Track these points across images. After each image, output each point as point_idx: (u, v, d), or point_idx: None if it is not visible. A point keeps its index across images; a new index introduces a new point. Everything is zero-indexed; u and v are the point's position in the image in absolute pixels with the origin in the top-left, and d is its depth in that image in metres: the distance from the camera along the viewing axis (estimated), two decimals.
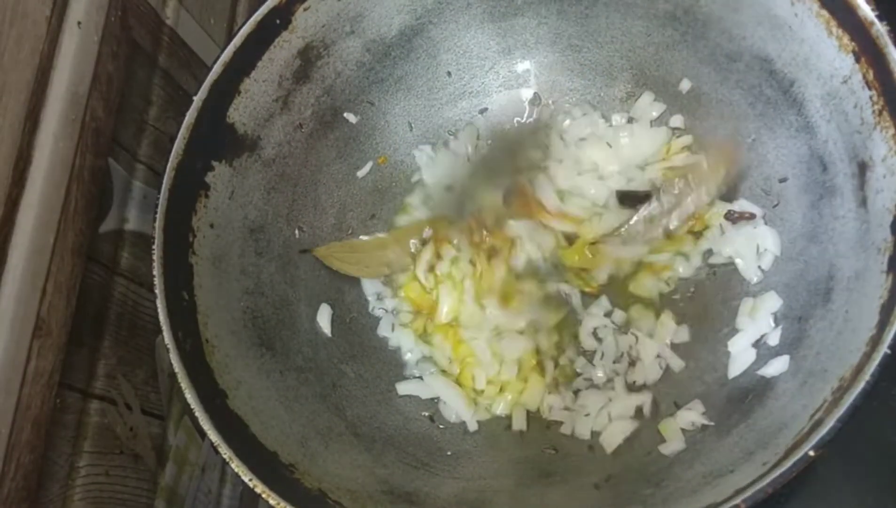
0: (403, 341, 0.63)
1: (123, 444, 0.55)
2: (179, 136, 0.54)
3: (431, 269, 0.63)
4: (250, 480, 0.45)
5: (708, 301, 0.59)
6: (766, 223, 0.58)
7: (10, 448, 0.44)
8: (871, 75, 0.46)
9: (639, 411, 0.57)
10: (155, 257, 0.51)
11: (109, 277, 0.56)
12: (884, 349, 0.40)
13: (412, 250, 0.64)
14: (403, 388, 0.61)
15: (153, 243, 0.51)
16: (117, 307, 0.56)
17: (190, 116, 0.54)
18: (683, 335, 0.58)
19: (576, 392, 0.59)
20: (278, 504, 0.44)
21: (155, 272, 0.50)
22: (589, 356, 0.60)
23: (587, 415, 0.57)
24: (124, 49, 0.57)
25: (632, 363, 0.59)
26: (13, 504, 0.44)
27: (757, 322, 0.55)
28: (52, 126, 0.49)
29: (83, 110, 0.52)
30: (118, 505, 0.54)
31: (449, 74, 0.67)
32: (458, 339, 0.62)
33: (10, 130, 0.46)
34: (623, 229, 0.60)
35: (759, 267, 0.57)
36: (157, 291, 0.50)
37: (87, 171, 0.53)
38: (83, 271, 0.52)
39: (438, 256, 0.64)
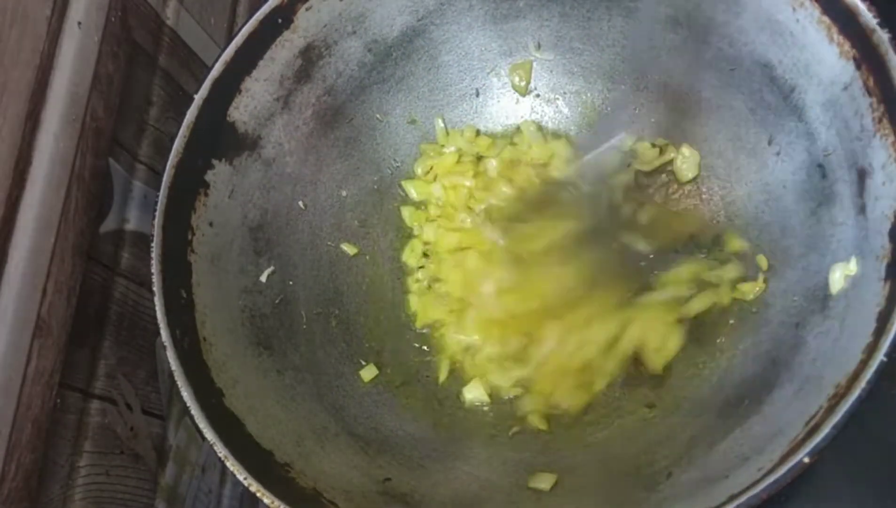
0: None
1: (124, 444, 0.55)
2: (180, 134, 0.54)
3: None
4: (245, 479, 0.45)
5: None
6: None
7: (10, 449, 0.44)
8: (871, 82, 0.46)
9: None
10: (153, 255, 0.51)
11: (110, 277, 0.56)
12: (880, 356, 0.40)
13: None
14: None
15: (152, 240, 0.51)
16: (118, 307, 0.56)
17: (191, 114, 0.54)
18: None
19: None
20: (273, 503, 0.44)
21: (153, 270, 0.50)
22: None
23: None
24: (125, 49, 0.57)
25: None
26: (13, 504, 0.44)
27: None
28: (52, 126, 0.49)
29: (83, 110, 0.52)
30: (119, 505, 0.54)
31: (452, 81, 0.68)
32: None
33: (11, 130, 0.46)
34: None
35: None
36: (154, 288, 0.50)
37: (88, 171, 0.53)
38: (83, 272, 0.52)
39: None
